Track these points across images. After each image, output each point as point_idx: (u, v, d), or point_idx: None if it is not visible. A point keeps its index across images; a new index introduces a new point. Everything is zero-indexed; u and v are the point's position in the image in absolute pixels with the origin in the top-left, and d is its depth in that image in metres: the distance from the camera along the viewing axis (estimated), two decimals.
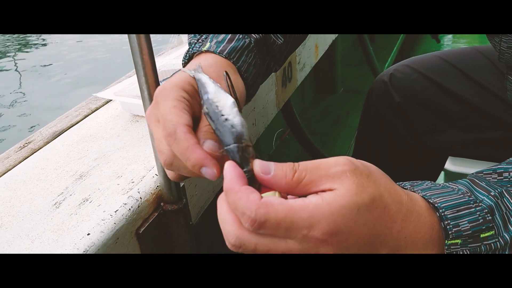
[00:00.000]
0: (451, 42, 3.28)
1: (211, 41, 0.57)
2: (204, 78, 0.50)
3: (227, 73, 0.50)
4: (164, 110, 0.46)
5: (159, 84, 0.53)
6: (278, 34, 0.64)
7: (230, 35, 0.57)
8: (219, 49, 0.56)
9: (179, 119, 0.45)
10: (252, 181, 0.42)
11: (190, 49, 0.58)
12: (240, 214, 0.39)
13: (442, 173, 1.27)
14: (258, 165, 0.42)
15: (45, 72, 4.65)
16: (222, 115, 0.45)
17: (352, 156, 0.43)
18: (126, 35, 0.50)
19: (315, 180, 0.41)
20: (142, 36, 0.50)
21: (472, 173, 0.48)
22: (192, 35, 0.60)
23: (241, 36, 0.57)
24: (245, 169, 0.42)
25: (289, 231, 0.38)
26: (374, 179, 0.41)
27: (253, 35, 0.59)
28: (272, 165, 0.42)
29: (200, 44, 0.57)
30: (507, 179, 0.45)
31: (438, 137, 1.00)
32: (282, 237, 0.39)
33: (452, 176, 1.28)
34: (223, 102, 0.47)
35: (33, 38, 5.64)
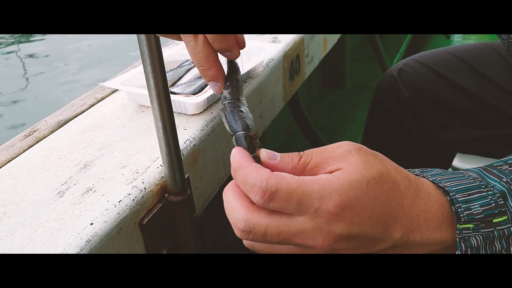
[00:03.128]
0: (461, 39, 3.25)
1: None
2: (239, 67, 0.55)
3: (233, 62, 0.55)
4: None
5: (165, 75, 0.52)
6: None
7: None
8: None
9: None
10: None
11: None
12: (249, 188, 0.39)
13: (450, 170, 1.25)
14: (265, 152, 0.42)
15: (48, 64, 4.61)
16: (239, 107, 0.48)
17: None
18: None
19: (321, 162, 0.41)
20: (151, 38, 0.49)
21: (482, 166, 0.47)
22: None
23: None
24: (252, 155, 0.42)
25: (300, 204, 0.38)
26: (379, 158, 0.42)
27: None
28: (277, 153, 0.42)
29: None
30: None
31: (447, 133, 0.99)
32: (293, 213, 0.39)
33: None
34: (244, 99, 0.49)
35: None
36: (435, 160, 1.08)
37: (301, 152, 0.42)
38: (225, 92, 0.51)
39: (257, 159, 0.42)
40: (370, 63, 2.38)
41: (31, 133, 0.71)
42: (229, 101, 0.50)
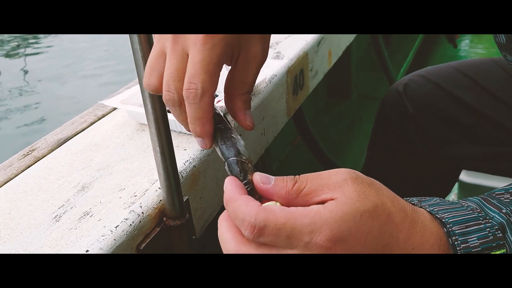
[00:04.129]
0: (468, 47, 3.23)
1: None
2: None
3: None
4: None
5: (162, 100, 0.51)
6: None
7: None
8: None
9: None
10: (252, 193, 0.42)
11: None
12: (240, 222, 0.39)
13: (456, 184, 1.24)
14: (258, 175, 0.42)
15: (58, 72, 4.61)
16: (231, 133, 0.49)
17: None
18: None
19: (316, 189, 0.40)
20: (144, 38, 0.47)
21: (484, 194, 0.47)
22: None
23: None
24: (244, 181, 0.43)
25: (290, 238, 0.38)
26: (376, 188, 0.41)
27: None
28: (272, 176, 0.42)
29: None
30: None
31: (452, 149, 0.98)
32: (283, 247, 0.38)
33: (466, 188, 1.25)
34: (231, 124, 0.52)
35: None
36: (444, 174, 1.07)
37: (296, 177, 0.42)
38: (214, 120, 0.51)
39: (250, 185, 0.42)
40: (376, 73, 2.37)
41: (30, 152, 0.70)
42: (220, 127, 0.49)
